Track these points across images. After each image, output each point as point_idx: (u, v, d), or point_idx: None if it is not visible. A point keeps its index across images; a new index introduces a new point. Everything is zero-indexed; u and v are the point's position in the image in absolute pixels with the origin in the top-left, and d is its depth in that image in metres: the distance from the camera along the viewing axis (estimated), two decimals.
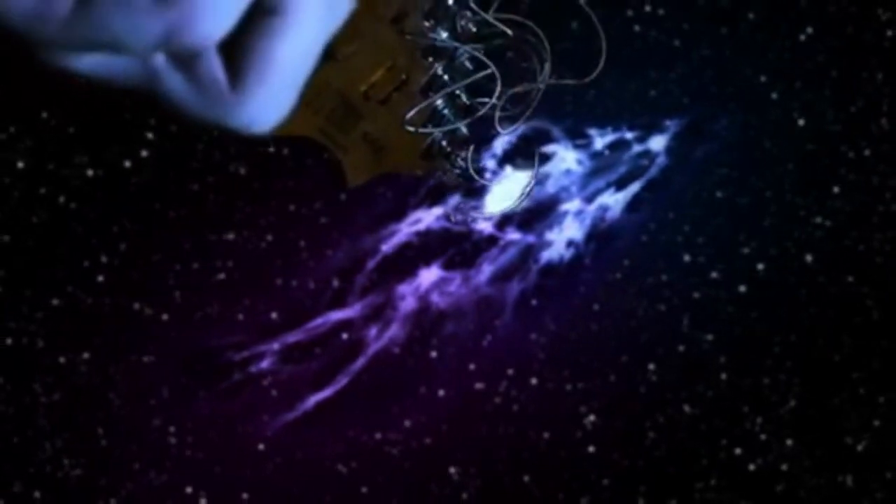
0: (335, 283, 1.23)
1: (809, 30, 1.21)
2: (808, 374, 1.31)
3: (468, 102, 0.51)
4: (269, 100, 0.34)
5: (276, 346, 1.25)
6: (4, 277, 1.23)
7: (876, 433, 1.31)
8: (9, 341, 1.24)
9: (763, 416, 1.31)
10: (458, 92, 0.50)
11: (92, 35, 0.30)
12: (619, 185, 1.18)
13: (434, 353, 1.25)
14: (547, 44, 0.50)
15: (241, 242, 1.24)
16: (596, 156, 1.17)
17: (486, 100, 0.50)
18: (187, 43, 0.30)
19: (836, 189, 1.27)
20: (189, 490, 1.25)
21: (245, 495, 1.26)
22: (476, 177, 0.53)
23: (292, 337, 1.24)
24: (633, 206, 1.21)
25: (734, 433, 1.31)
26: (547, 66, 0.50)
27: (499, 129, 0.51)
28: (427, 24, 0.48)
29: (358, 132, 0.50)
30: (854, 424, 1.31)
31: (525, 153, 0.53)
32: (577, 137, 1.14)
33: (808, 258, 1.28)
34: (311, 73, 0.46)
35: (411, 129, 0.50)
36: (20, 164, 1.21)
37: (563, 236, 1.20)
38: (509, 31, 0.49)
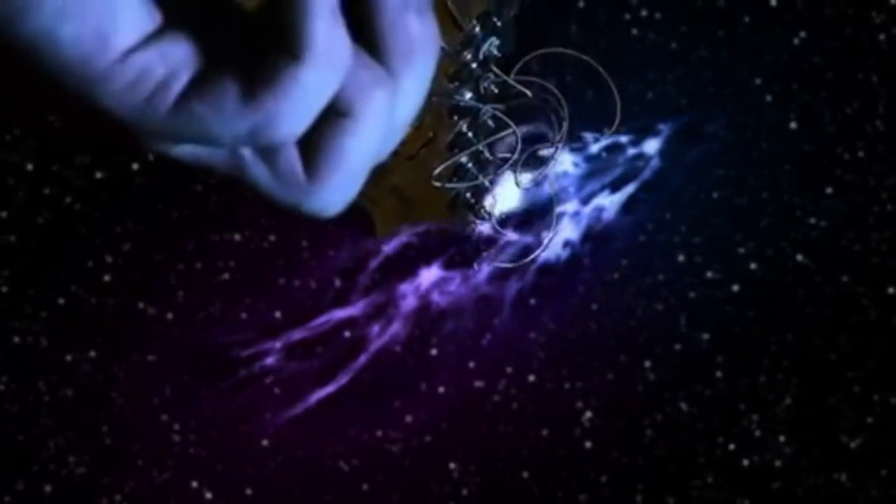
0: (337, 282, 1.24)
1: (805, 32, 1.22)
2: (804, 373, 1.31)
3: (491, 158, 0.54)
4: (339, 190, 0.39)
5: (280, 343, 1.26)
6: (9, 277, 1.24)
7: (871, 432, 1.31)
8: (14, 340, 1.25)
9: (760, 414, 1.31)
10: (481, 148, 0.53)
11: (187, 131, 0.34)
12: (615, 186, 1.19)
13: (434, 351, 1.26)
14: (565, 104, 0.52)
15: (243, 243, 1.25)
16: (591, 158, 1.18)
17: (508, 155, 0.53)
18: (269, 139, 0.35)
19: (832, 190, 1.27)
20: (194, 485, 1.26)
21: (249, 491, 1.26)
22: (499, 228, 0.56)
23: (297, 334, 1.25)
24: (629, 207, 1.21)
25: (731, 431, 1.32)
26: (565, 125, 0.53)
27: (519, 183, 0.54)
28: (452, 85, 0.50)
29: (387, 186, 0.53)
30: (850, 423, 1.31)
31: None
32: (572, 141, 1.16)
33: (805, 258, 1.29)
34: None
35: (438, 184, 0.53)
36: (27, 166, 1.22)
37: (560, 237, 1.21)
38: (529, 93, 0.52)
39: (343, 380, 1.25)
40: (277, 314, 1.25)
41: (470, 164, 0.54)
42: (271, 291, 1.25)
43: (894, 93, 1.25)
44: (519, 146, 0.53)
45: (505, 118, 0.52)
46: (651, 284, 1.29)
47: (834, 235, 1.28)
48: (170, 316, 1.25)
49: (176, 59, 0.34)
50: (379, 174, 0.52)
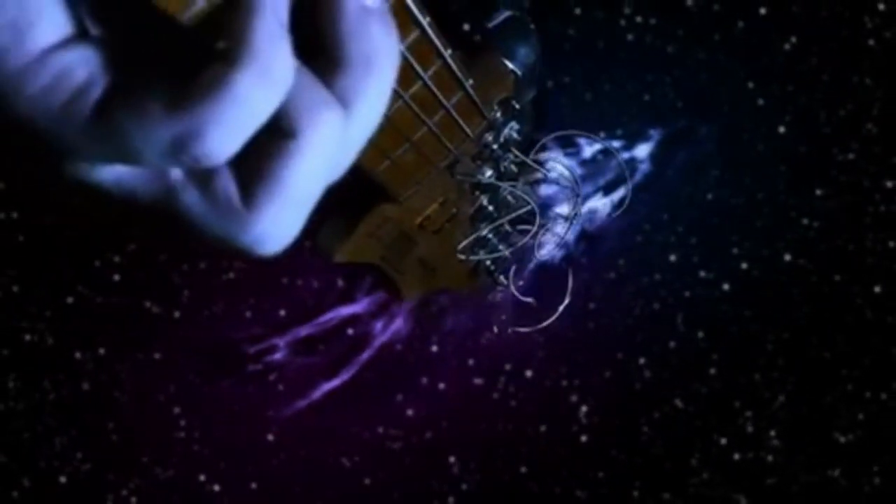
0: (340, 281, 1.24)
1: (801, 35, 1.22)
2: (798, 371, 1.32)
3: (510, 230, 0.56)
4: (279, 220, 0.34)
5: (286, 340, 1.26)
6: (16, 277, 1.25)
7: (864, 429, 1.32)
8: (24, 339, 1.25)
9: (754, 411, 1.32)
10: (502, 222, 0.55)
11: (107, 143, 0.31)
12: (608, 189, 1.20)
13: (435, 348, 1.27)
14: (580, 181, 0.54)
15: None
16: (585, 163, 1.19)
17: (527, 227, 0.55)
18: (197, 155, 0.31)
19: (826, 190, 1.28)
20: (201, 479, 1.27)
21: (254, 485, 1.27)
22: (518, 294, 0.58)
23: (302, 331, 1.26)
24: (625, 209, 1.22)
25: (726, 428, 1.33)
26: (579, 200, 0.55)
27: (537, 255, 0.56)
28: (475, 164, 0.52)
29: (413, 257, 0.55)
30: (843, 420, 1.32)
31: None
32: (567, 146, 1.17)
33: (799, 258, 1.30)
34: (375, 210, 0.50)
35: (462, 256, 0.55)
36: None
37: (556, 237, 1.22)
38: (545, 172, 0.54)
39: (347, 375, 1.26)
40: (282, 312, 1.25)
41: (491, 236, 0.55)
42: (275, 290, 1.25)
43: (887, 95, 1.25)
44: (538, 221, 0.54)
45: (523, 195, 0.54)
46: (648, 284, 1.29)
47: (828, 236, 1.29)
48: (176, 314, 1.25)
49: (97, 63, 0.32)
50: (406, 247, 0.54)
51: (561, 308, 0.59)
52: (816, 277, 1.31)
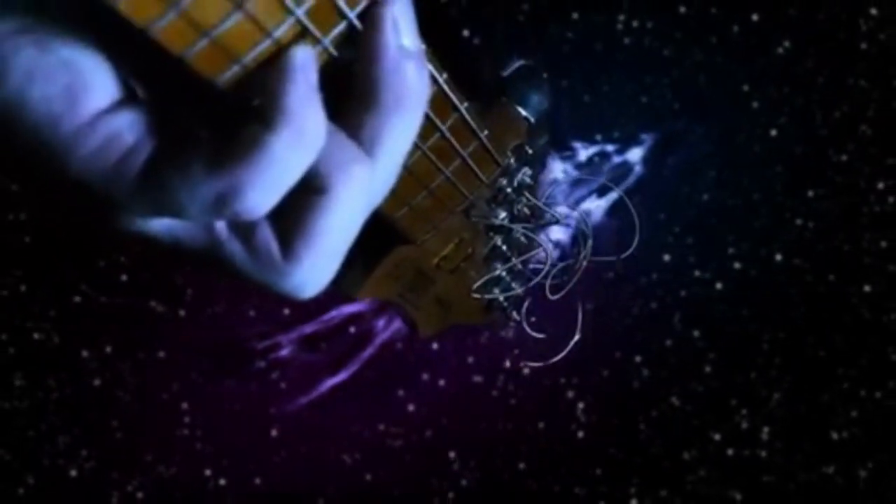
0: None
1: (796, 38, 1.23)
2: (794, 370, 1.33)
3: (523, 269, 0.58)
4: (316, 269, 0.37)
5: (291, 337, 1.26)
6: (23, 277, 1.25)
7: (859, 426, 1.33)
8: (29, 338, 1.26)
9: (750, 409, 1.33)
10: (515, 262, 0.57)
11: (155, 199, 0.33)
12: (601, 191, 1.21)
13: (435, 346, 1.27)
14: (590, 225, 0.56)
15: None
16: (580, 166, 1.20)
17: (539, 266, 0.57)
18: (238, 210, 0.33)
19: (821, 192, 1.29)
20: (207, 473, 1.27)
21: (258, 481, 1.28)
22: (529, 330, 0.60)
23: (307, 329, 1.26)
24: (622, 210, 1.23)
25: (723, 426, 1.33)
26: (589, 243, 0.57)
27: (549, 295, 0.58)
28: (489, 207, 0.54)
29: (430, 295, 0.57)
30: (838, 418, 1.33)
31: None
32: (563, 150, 1.18)
33: (795, 258, 1.31)
34: (394, 252, 0.52)
35: (477, 295, 0.57)
36: None
37: (551, 238, 1.23)
38: (557, 215, 0.56)
39: (350, 371, 1.27)
40: (286, 311, 1.25)
41: (505, 275, 0.58)
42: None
43: (881, 97, 1.27)
44: (549, 261, 0.56)
45: (534, 237, 0.56)
46: (646, 284, 1.30)
47: (823, 236, 1.30)
48: (181, 313, 1.26)
49: (144, 126, 0.34)
50: (424, 286, 0.56)
51: (571, 344, 0.62)
52: (812, 277, 1.32)
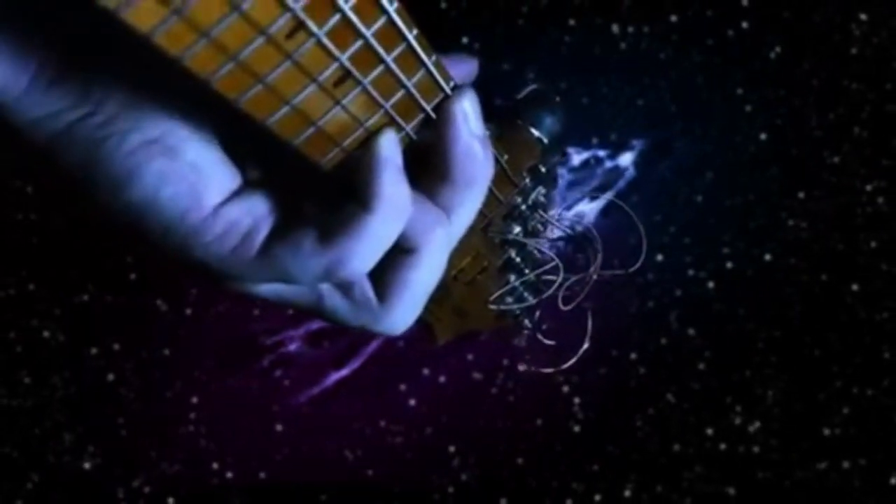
0: None
1: (786, 44, 1.25)
2: (788, 368, 1.34)
3: (536, 281, 0.60)
4: (407, 312, 0.43)
5: (297, 332, 1.27)
6: (29, 277, 1.26)
7: (853, 424, 1.34)
8: (36, 336, 1.27)
9: (745, 406, 1.34)
10: (529, 275, 0.60)
11: (269, 274, 0.38)
12: (594, 195, 1.23)
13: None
14: (599, 240, 0.59)
15: None
16: (573, 170, 1.22)
17: (552, 277, 0.59)
18: (342, 277, 0.38)
19: (816, 192, 1.31)
20: (214, 467, 1.28)
21: (263, 475, 1.29)
22: (541, 337, 0.62)
23: (315, 324, 1.27)
24: (619, 211, 1.24)
25: (718, 423, 1.34)
26: (599, 257, 0.59)
27: (561, 306, 0.60)
28: (504, 223, 0.57)
29: (448, 305, 0.59)
30: (833, 415, 1.34)
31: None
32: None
33: (790, 258, 1.32)
34: None
35: (493, 307, 0.60)
36: None
37: (548, 239, 1.24)
38: (569, 231, 0.58)
39: (353, 366, 1.28)
40: (290, 309, 1.25)
41: (518, 286, 0.60)
42: None
43: (876, 100, 1.28)
44: (561, 275, 0.59)
45: (547, 251, 0.59)
46: (643, 284, 1.31)
47: (820, 236, 1.31)
48: (188, 312, 1.27)
49: (259, 212, 0.38)
50: (442, 297, 0.58)
51: (581, 351, 0.64)
52: (807, 276, 1.33)
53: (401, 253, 0.41)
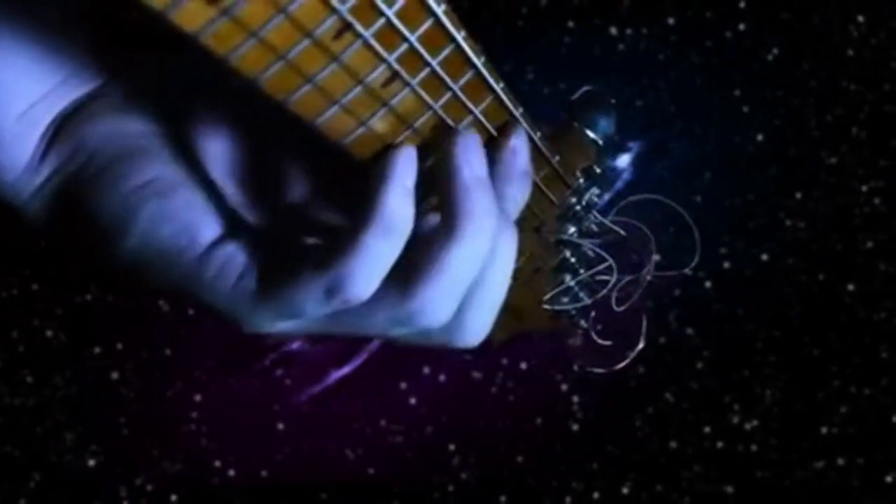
0: None
1: (792, 43, 1.25)
2: (787, 368, 1.35)
3: (590, 281, 0.61)
4: (440, 301, 0.41)
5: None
6: (32, 276, 1.27)
7: (851, 423, 1.34)
8: (39, 336, 1.27)
9: (744, 405, 1.35)
10: (582, 273, 0.60)
11: (273, 303, 0.38)
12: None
13: None
14: (653, 241, 0.60)
15: None
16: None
17: (606, 278, 0.60)
18: (345, 300, 0.37)
19: (814, 192, 1.31)
20: (213, 467, 1.29)
21: (264, 473, 1.29)
22: (595, 337, 0.63)
23: None
24: (615, 212, 1.24)
25: (717, 422, 1.35)
26: (653, 258, 0.60)
27: (615, 307, 0.61)
28: (559, 224, 0.57)
29: (504, 305, 0.60)
30: (831, 414, 1.34)
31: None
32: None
33: (789, 258, 1.32)
34: None
35: (548, 307, 0.61)
36: None
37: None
38: (623, 232, 0.59)
39: (355, 363, 1.28)
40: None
41: (573, 285, 0.61)
42: None
43: (874, 101, 1.29)
44: (615, 275, 0.60)
45: (601, 252, 0.59)
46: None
47: (818, 236, 1.32)
48: (190, 311, 1.28)
49: (254, 246, 0.39)
50: None
51: (636, 352, 0.65)
52: (805, 276, 1.33)
53: (439, 232, 0.40)
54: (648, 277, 0.61)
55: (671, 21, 1.22)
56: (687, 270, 0.64)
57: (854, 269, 1.33)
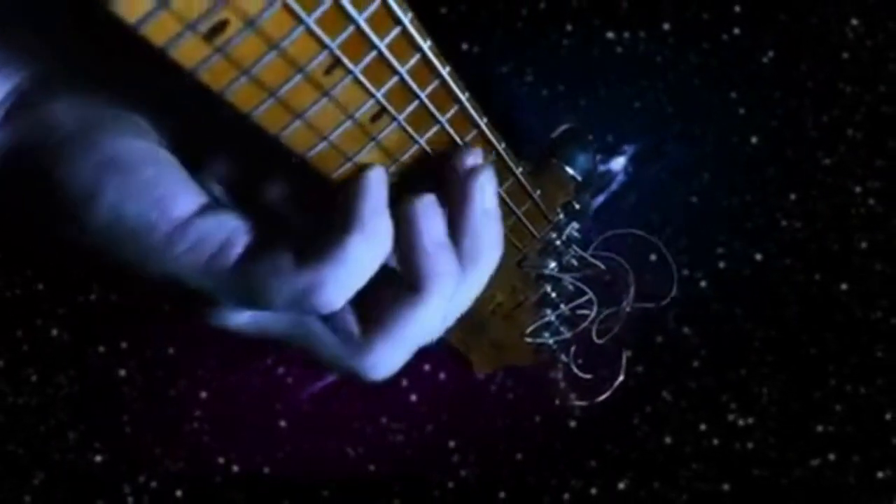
0: None
1: (788, 45, 1.26)
2: (784, 367, 1.35)
3: (571, 315, 0.62)
4: (391, 353, 0.42)
5: None
6: (34, 276, 1.27)
7: (848, 422, 1.35)
8: (43, 335, 1.28)
9: (741, 404, 1.36)
10: (564, 309, 0.62)
11: (244, 290, 0.37)
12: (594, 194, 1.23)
13: None
14: (632, 274, 0.61)
15: None
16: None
17: (587, 311, 0.62)
18: (318, 303, 0.37)
19: (812, 193, 1.32)
20: (217, 464, 1.30)
21: (266, 471, 1.30)
22: (578, 371, 0.65)
23: None
24: (614, 212, 1.25)
25: (714, 421, 1.36)
26: (632, 291, 0.62)
27: (595, 339, 0.62)
28: (540, 258, 0.58)
29: (486, 339, 0.61)
30: (827, 413, 1.35)
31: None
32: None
33: (786, 258, 1.33)
34: None
35: (530, 340, 0.62)
36: None
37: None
38: (602, 266, 0.61)
39: None
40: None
41: (553, 319, 0.62)
42: None
43: (870, 102, 1.29)
44: (595, 309, 0.61)
45: (581, 286, 0.60)
46: (639, 284, 1.32)
47: (816, 236, 1.32)
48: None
49: (234, 226, 0.38)
50: (480, 330, 0.60)
51: (615, 385, 0.66)
52: (802, 276, 1.34)
53: (402, 288, 0.41)
54: (628, 309, 0.62)
55: (668, 24, 1.22)
56: (662, 304, 0.66)
57: (850, 269, 1.34)
